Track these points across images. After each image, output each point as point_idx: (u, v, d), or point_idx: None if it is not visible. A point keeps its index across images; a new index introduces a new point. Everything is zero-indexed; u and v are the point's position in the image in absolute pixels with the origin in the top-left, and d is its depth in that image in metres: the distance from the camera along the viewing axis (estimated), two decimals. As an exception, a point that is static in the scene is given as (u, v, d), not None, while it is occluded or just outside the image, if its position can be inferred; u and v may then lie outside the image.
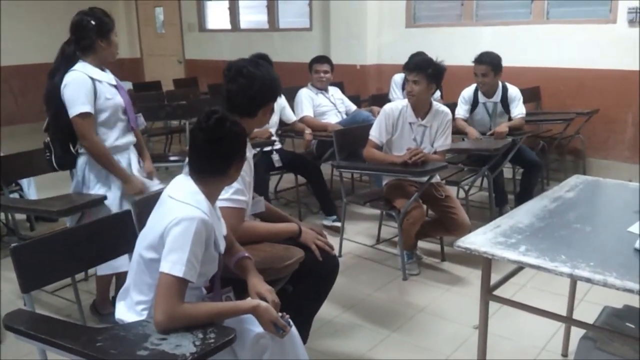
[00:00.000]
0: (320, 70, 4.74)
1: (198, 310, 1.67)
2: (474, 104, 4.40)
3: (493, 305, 1.94)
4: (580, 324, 1.92)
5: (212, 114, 1.74)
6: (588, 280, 1.54)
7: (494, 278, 1.93)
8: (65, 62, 2.69)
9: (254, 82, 2.14)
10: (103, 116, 2.72)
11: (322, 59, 4.84)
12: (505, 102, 4.37)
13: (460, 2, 6.05)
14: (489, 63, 4.22)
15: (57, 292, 3.04)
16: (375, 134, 3.44)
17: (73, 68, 2.66)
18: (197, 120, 1.77)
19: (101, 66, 2.77)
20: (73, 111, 2.62)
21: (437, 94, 4.87)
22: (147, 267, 1.74)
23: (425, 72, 3.24)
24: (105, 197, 2.80)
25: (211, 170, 1.78)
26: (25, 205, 2.90)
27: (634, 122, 5.13)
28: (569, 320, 2.29)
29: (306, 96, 4.71)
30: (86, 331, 1.79)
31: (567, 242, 1.80)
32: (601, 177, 2.58)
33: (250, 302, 1.76)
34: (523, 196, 4.18)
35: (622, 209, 2.15)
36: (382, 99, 5.44)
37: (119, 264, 2.48)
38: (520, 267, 1.91)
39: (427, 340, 2.71)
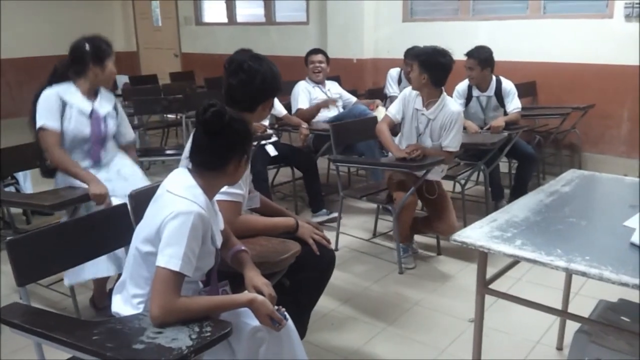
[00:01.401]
0: (315, 61, 4.73)
1: (194, 303, 1.66)
2: (468, 97, 4.42)
3: (489, 299, 1.94)
4: (576, 318, 1.93)
5: (210, 107, 1.73)
6: (584, 274, 1.55)
7: (490, 272, 1.94)
8: (53, 80, 2.81)
9: (254, 78, 2.14)
10: (64, 139, 2.79)
11: (316, 50, 4.85)
12: (499, 95, 4.38)
13: (457, -3, 6.05)
14: (475, 57, 4.26)
15: (52, 285, 3.03)
16: (393, 111, 3.48)
17: (53, 86, 2.77)
18: (196, 112, 1.77)
19: (94, 89, 2.86)
20: (38, 124, 2.74)
21: None
22: (144, 260, 1.73)
23: (417, 59, 3.28)
24: None
25: (208, 164, 1.77)
26: (18, 199, 2.88)
27: (630, 117, 5.15)
28: (564, 313, 2.30)
29: (303, 89, 4.71)
30: (82, 325, 1.78)
31: (562, 236, 1.80)
32: (597, 172, 2.59)
33: (246, 295, 1.76)
34: (518, 190, 4.19)
35: (617, 204, 2.15)
36: (378, 93, 5.44)
37: (88, 271, 2.57)
38: (515, 260, 1.92)
39: (423, 334, 2.72)
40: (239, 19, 8.33)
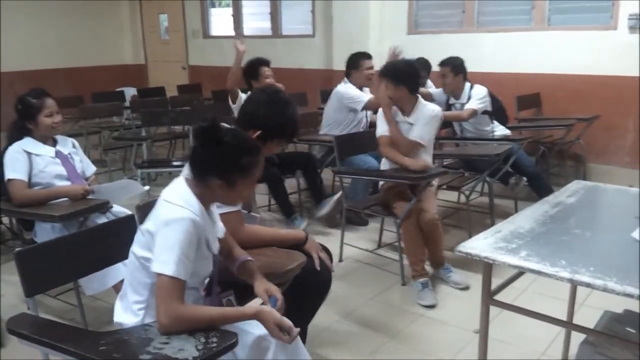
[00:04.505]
0: (367, 67, 4.64)
1: (201, 312, 1.69)
2: (447, 107, 4.50)
3: (494, 310, 1.94)
4: (581, 329, 1.92)
5: (206, 120, 1.77)
6: (588, 285, 1.54)
7: (495, 283, 1.94)
8: (13, 138, 3.05)
9: (250, 102, 2.35)
10: (38, 187, 2.99)
11: (367, 55, 4.74)
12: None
13: (462, 9, 6.08)
14: (448, 64, 4.40)
15: (60, 295, 3.05)
16: (381, 130, 3.51)
17: (16, 142, 3.01)
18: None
19: (49, 137, 3.09)
20: (6, 178, 2.94)
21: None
22: (142, 266, 1.77)
23: (386, 76, 3.40)
24: (109, 204, 2.95)
25: (200, 173, 1.80)
26: (27, 210, 2.95)
27: (635, 128, 5.15)
28: (569, 325, 2.29)
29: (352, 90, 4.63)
30: (89, 335, 1.80)
31: (567, 247, 1.80)
32: (601, 183, 2.59)
33: (253, 307, 1.78)
34: None
35: (622, 215, 2.15)
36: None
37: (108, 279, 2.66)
38: (520, 272, 1.92)
39: (427, 345, 2.72)
40: (246, 32, 8.38)
